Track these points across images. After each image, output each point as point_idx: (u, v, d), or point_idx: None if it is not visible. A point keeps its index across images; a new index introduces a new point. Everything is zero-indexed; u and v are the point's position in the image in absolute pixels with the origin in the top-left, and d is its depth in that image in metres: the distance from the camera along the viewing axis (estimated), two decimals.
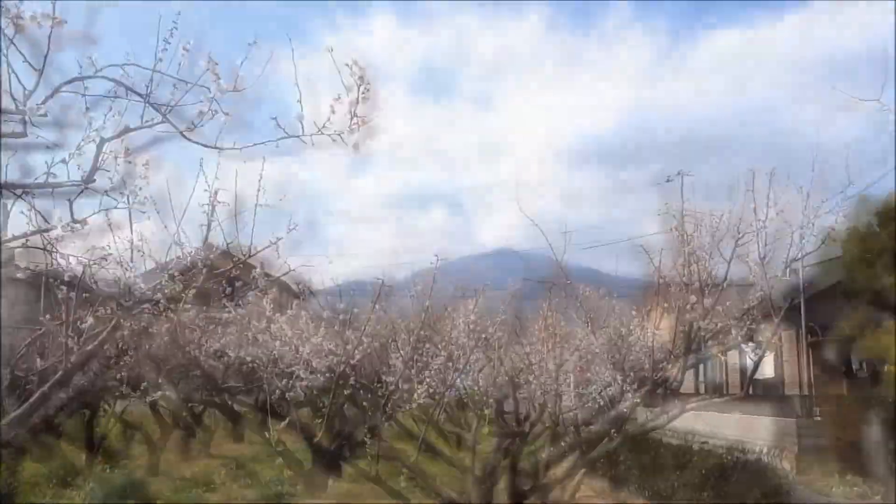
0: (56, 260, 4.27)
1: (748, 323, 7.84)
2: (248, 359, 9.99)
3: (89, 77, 3.25)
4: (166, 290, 5.02)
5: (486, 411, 9.47)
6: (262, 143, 3.14)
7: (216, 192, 5.00)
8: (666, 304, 9.07)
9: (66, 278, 4.56)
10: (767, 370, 22.83)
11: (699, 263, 7.17)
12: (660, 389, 8.09)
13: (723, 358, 8.86)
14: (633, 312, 9.61)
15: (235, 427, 22.71)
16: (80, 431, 16.69)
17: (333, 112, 2.92)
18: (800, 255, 7.21)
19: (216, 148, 3.43)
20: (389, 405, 8.37)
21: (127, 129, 3.51)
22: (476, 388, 9.87)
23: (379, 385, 9.05)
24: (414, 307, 12.57)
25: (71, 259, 4.36)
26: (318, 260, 6.94)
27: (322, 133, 2.90)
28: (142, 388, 10.63)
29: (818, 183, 6.94)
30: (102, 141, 3.64)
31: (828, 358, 22.46)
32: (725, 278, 7.57)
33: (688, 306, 6.81)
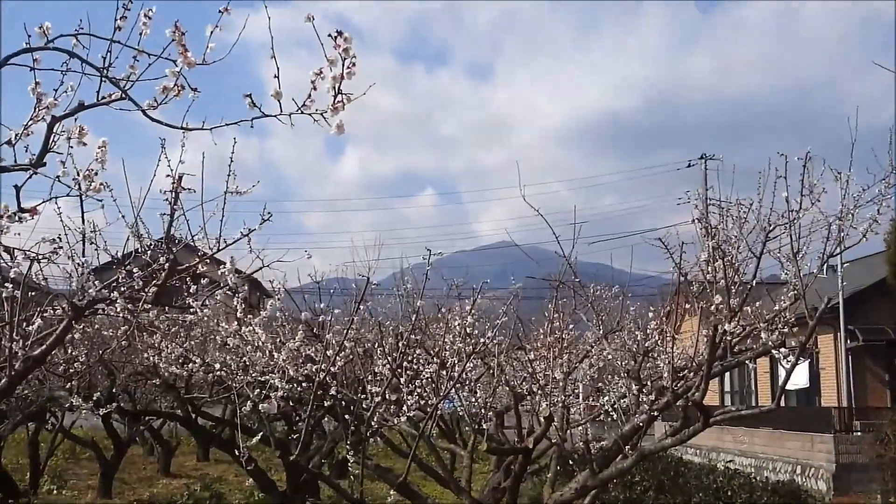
0: None
1: (780, 326, 7.90)
2: (216, 366, 10.01)
3: (39, 49, 3.28)
4: (123, 288, 5.05)
5: (485, 425, 9.52)
6: (235, 122, 3.16)
7: (180, 178, 5.02)
8: (687, 305, 9.14)
9: (10, 274, 4.59)
10: (801, 379, 22.97)
11: (725, 259, 7.22)
12: (680, 401, 8.14)
13: (751, 365, 8.92)
14: (651, 314, 9.67)
15: (200, 443, 22.77)
16: (22, 448, 16.71)
17: (315, 88, 2.94)
18: (838, 250, 7.25)
19: (182, 128, 3.45)
20: (375, 418, 8.41)
21: (81, 107, 3.53)
22: (473, 400, 9.91)
23: (363, 396, 9.07)
24: (403, 308, 12.63)
25: (16, 253, 4.39)
26: (295, 254, 6.95)
27: (302, 112, 2.92)
28: (94, 398, 10.63)
29: (859, 168, 6.99)
30: (54, 120, 3.66)
31: (869, 365, 22.60)
32: (755, 276, 7.63)
33: (712, 307, 6.85)
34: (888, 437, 17.12)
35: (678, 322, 9.47)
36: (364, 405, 8.68)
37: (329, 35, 2.83)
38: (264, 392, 8.94)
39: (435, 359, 9.44)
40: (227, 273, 5.79)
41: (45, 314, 4.99)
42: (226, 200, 5.28)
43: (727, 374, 25.58)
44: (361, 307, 9.48)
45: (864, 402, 22.15)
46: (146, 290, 5.18)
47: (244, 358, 9.38)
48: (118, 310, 5.01)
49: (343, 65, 2.82)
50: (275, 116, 2.97)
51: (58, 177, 3.89)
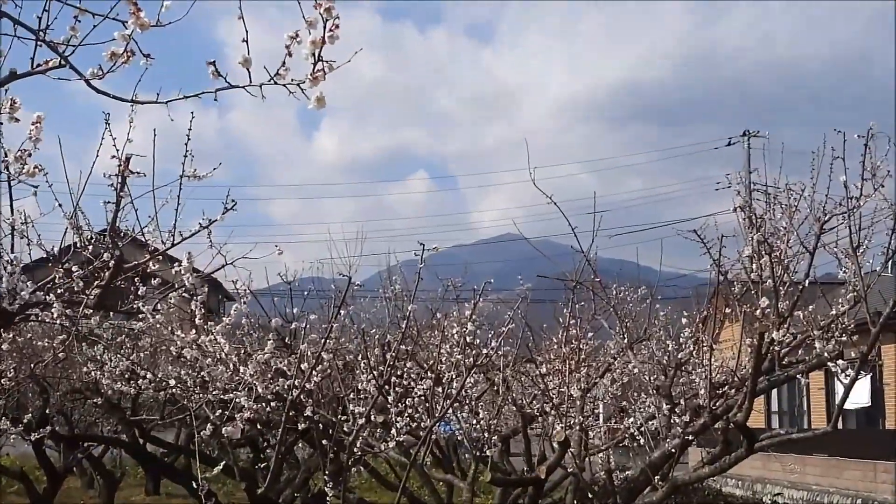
0: None
1: (837, 334, 7.94)
2: (169, 382, 10.04)
3: None
4: (61, 290, 5.07)
5: (488, 452, 9.55)
6: (195, 95, 3.17)
7: (128, 160, 5.05)
8: (728, 310, 9.17)
9: None
10: (863, 397, 23.02)
11: (772, 254, 7.25)
12: (719, 423, 8.19)
13: (804, 381, 8.96)
14: (684, 320, 9.71)
15: (149, 474, 22.77)
16: None
17: (290, 55, 2.96)
18: None
19: (132, 101, 3.47)
20: (358, 444, 8.44)
21: (13, 76, 3.55)
22: (474, 422, 9.95)
23: (343, 417, 9.10)
24: (391, 313, 12.67)
25: None
26: (263, 249, 6.98)
27: (276, 83, 2.94)
28: (24, 421, 10.65)
29: None
30: None
31: None
32: (807, 274, 7.66)
33: (757, 312, 6.88)
34: None
35: (717, 329, 9.50)
36: (345, 428, 8.71)
37: None
38: (227, 413, 8.97)
39: (429, 373, 9.47)
40: (182, 272, 5.81)
41: None
42: (181, 186, 5.30)
43: (775, 391, 25.64)
44: (342, 312, 9.52)
45: None
46: (87, 292, 5.20)
47: (203, 373, 9.41)
48: (54, 315, 5.03)
49: (325, 27, 2.84)
50: (243, 88, 2.99)
51: None
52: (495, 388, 10.09)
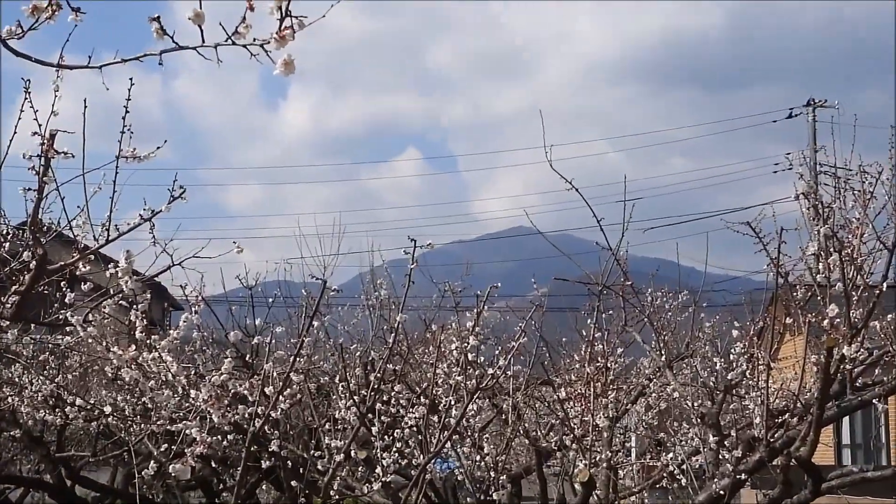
0: None
1: None
2: (104, 410, 10.04)
3: None
4: None
5: (495, 495, 9.59)
6: (136, 58, 3.17)
7: (52, 137, 5.04)
8: (789, 320, 9.18)
9: None
10: None
11: (843, 252, 7.26)
12: (779, 458, 8.21)
13: (881, 406, 9.00)
14: (735, 332, 9.73)
15: None
16: None
17: (251, 9, 2.95)
18: None
19: (57, 66, 3.47)
20: (335, 486, 8.46)
21: None
22: (477, 458, 9.97)
23: (317, 453, 9.12)
24: (375, 324, 12.67)
25: None
26: (218, 246, 6.99)
27: (234, 43, 2.94)
28: None
29: None
30: None
31: None
32: (885, 276, 7.68)
33: (824, 322, 6.89)
34: None
35: (775, 344, 9.52)
36: (319, 466, 8.73)
37: None
38: (174, 448, 8.98)
39: (422, 399, 9.49)
40: (119, 275, 5.82)
41: None
42: (118, 169, 5.30)
43: (846, 420, 25.66)
44: (315, 324, 9.51)
45: None
46: (2, 299, 5.22)
47: (144, 398, 9.41)
48: None
49: None
50: (194, 49, 2.98)
51: None
52: (503, 416, 10.11)
